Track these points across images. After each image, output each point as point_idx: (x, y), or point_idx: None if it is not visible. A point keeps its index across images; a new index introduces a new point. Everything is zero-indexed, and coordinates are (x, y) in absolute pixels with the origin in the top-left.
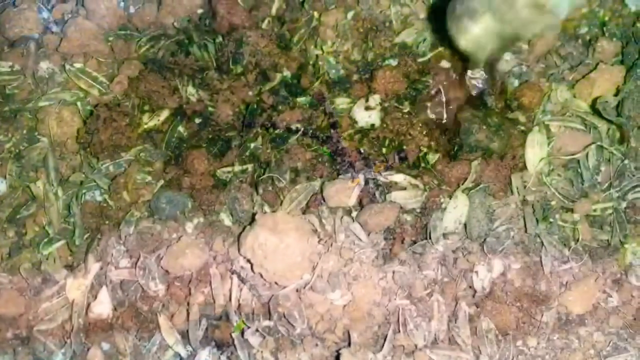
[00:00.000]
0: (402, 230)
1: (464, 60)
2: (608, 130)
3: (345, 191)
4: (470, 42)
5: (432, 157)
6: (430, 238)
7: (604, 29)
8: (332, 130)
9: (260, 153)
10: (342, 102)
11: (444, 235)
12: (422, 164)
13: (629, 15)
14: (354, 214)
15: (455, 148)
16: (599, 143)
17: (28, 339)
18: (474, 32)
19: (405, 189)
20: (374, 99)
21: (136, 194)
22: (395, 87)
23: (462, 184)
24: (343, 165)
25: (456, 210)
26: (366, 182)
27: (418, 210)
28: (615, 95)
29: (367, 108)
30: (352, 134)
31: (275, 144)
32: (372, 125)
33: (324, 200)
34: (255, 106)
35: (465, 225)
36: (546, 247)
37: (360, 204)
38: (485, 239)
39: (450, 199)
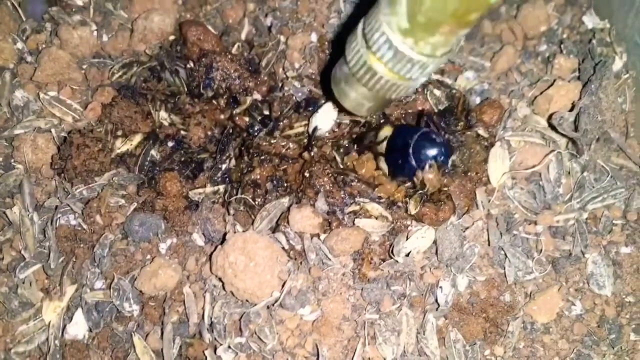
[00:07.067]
0: (370, 251)
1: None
2: (567, 144)
3: (310, 219)
4: (350, 104)
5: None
6: (397, 256)
7: (562, 46)
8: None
9: (232, 173)
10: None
11: (410, 254)
12: (399, 204)
13: (585, 33)
14: (323, 236)
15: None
16: (558, 150)
17: None
18: (352, 96)
19: (376, 218)
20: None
21: (110, 217)
22: None
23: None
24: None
25: (421, 240)
26: (332, 211)
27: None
28: (571, 110)
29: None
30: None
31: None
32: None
33: (289, 223)
34: (230, 130)
35: (436, 247)
36: (510, 259)
37: (329, 226)
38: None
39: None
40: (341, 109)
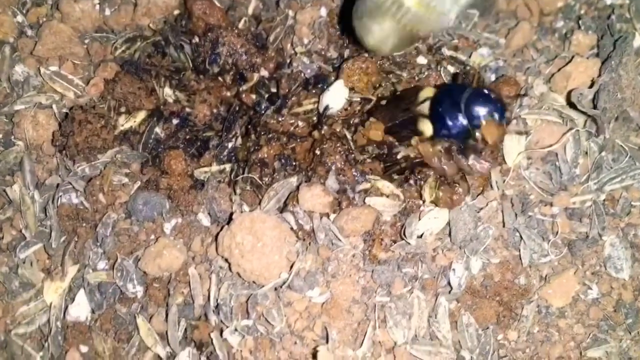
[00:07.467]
0: (381, 231)
1: (369, 52)
2: (585, 122)
3: (320, 198)
4: (373, 40)
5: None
6: (409, 238)
7: (580, 22)
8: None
9: (239, 152)
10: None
11: (423, 235)
12: (416, 183)
13: (604, 9)
14: (332, 216)
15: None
16: (576, 128)
17: (6, 343)
18: (375, 31)
19: (387, 196)
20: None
21: (113, 196)
22: (368, 78)
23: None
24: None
25: (434, 221)
26: (343, 190)
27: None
28: (590, 87)
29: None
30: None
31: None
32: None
33: (298, 202)
34: (237, 108)
35: (449, 228)
36: (525, 241)
37: (339, 205)
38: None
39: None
40: (362, 48)
